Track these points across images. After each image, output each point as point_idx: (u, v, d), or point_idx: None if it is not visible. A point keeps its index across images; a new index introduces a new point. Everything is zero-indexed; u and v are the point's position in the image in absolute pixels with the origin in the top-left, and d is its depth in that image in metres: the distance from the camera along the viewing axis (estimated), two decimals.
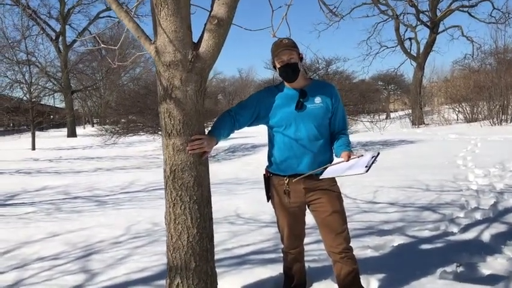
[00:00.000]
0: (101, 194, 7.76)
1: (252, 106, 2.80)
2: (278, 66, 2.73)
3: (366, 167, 2.45)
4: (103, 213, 6.00)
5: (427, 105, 30.72)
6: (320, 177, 2.63)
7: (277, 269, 3.30)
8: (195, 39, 2.58)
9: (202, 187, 2.59)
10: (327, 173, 2.62)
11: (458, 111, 23.96)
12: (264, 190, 2.91)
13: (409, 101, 31.94)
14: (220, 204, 6.05)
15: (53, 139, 28.05)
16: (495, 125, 19.67)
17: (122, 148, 18.86)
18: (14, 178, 10.59)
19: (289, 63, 2.69)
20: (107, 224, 5.26)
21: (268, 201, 2.93)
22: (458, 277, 3.12)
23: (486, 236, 4.11)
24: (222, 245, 4.06)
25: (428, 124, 25.14)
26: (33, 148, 20.31)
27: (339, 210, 2.73)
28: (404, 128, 24.13)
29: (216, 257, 3.52)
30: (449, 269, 3.24)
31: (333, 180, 2.76)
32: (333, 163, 2.68)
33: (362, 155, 2.59)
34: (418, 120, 25.16)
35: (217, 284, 2.71)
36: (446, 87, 27.42)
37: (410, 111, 28.73)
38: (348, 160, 2.60)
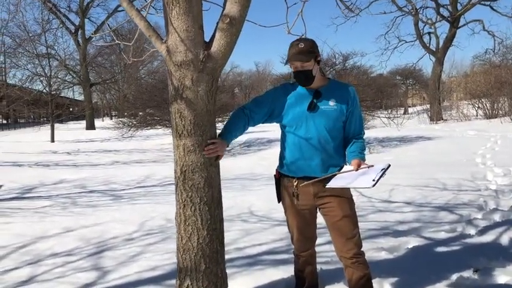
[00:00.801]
0: (117, 188, 7.82)
1: (267, 103, 2.76)
2: (292, 70, 2.68)
3: (373, 180, 2.39)
4: (118, 208, 6.03)
5: (446, 100, 30.28)
6: (326, 186, 2.58)
7: (289, 271, 3.26)
8: (207, 38, 2.55)
9: (212, 188, 2.56)
10: (334, 182, 2.56)
11: (478, 107, 23.55)
12: (275, 190, 2.87)
13: (427, 96, 31.51)
14: (234, 201, 6.05)
15: (71, 131, 28.45)
16: None
17: (139, 141, 19.00)
18: (33, 171, 10.74)
19: (302, 70, 2.63)
20: (121, 219, 5.29)
21: (279, 202, 2.89)
22: (474, 283, 3.05)
23: (505, 240, 4.01)
24: (234, 244, 4.05)
25: (446, 120, 24.76)
26: (52, 140, 20.60)
27: (350, 215, 2.67)
28: (422, 123, 23.81)
29: (228, 256, 3.51)
30: (465, 274, 3.16)
31: None
32: (341, 171, 2.61)
33: (372, 166, 2.53)
34: (436, 116, 24.80)
35: (227, 285, 2.69)
36: (466, 82, 26.98)
37: (428, 106, 28.33)
38: (357, 169, 2.54)
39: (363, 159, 2.61)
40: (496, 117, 21.66)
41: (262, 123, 2.84)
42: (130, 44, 3.59)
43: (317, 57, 2.67)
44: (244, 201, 6.10)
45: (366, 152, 2.80)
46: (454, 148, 11.50)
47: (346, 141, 2.77)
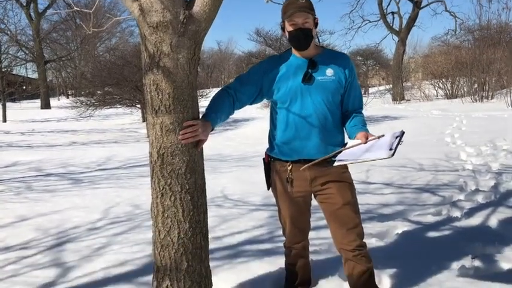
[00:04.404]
0: (76, 171, 7.28)
1: (254, 81, 2.39)
2: (289, 29, 2.30)
3: (391, 149, 2.07)
4: (78, 193, 5.54)
5: (407, 80, 30.59)
6: (334, 165, 2.25)
7: (275, 263, 2.96)
8: None
9: (196, 174, 2.19)
10: (342, 159, 2.24)
11: (438, 87, 23.87)
12: (264, 176, 2.53)
13: (387, 76, 31.76)
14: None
15: (25, 111, 26.98)
16: (476, 101, 19.62)
17: (98, 121, 18.17)
18: None
19: (302, 27, 2.27)
20: (83, 206, 4.83)
21: (268, 189, 2.55)
22: (477, 273, 2.82)
23: (493, 222, 3.84)
24: (212, 232, 3.62)
25: (409, 100, 25.00)
26: (4, 120, 19.43)
27: (351, 202, 2.36)
28: (386, 103, 23.95)
29: None
30: (466, 262, 2.93)
31: (343, 166, 2.38)
32: (347, 146, 2.29)
33: (383, 135, 2.22)
34: (399, 96, 25.00)
35: (212, 285, 2.34)
36: (426, 62, 27.27)
37: (388, 86, 28.54)
38: (365, 142, 2.22)
39: (368, 131, 2.29)
40: (456, 97, 22.03)
41: (251, 103, 2.47)
42: (91, 11, 3.16)
43: (316, 18, 2.32)
44: (216, 184, 5.74)
45: None
46: (422, 128, 11.45)
47: (344, 117, 2.45)
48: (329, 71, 2.36)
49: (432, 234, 3.61)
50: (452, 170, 6.11)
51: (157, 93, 2.09)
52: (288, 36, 2.35)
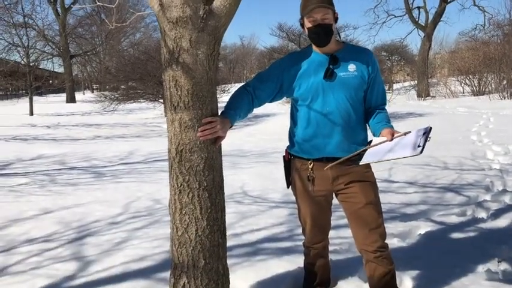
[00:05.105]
0: (99, 165, 7.36)
1: (274, 78, 2.34)
2: (308, 26, 2.25)
3: (419, 146, 2.00)
4: (100, 187, 5.60)
5: (433, 77, 30.04)
6: (360, 163, 2.20)
7: (294, 262, 2.92)
8: None
9: (214, 171, 2.16)
10: (368, 157, 2.18)
11: (465, 84, 23.36)
12: (284, 174, 2.49)
13: (412, 72, 31.23)
14: (225, 180, 5.66)
15: (51, 104, 27.53)
16: (505, 98, 19.13)
17: (122, 115, 18.39)
18: (10, 145, 10.18)
19: (322, 23, 2.21)
20: (104, 200, 4.87)
21: (288, 187, 2.51)
22: (504, 276, 2.73)
23: None
24: (231, 229, 3.66)
25: (434, 96, 24.57)
26: (31, 113, 19.83)
27: (374, 202, 2.31)
28: (411, 100, 23.57)
29: None
30: (492, 266, 2.84)
31: (366, 165, 2.32)
32: (372, 144, 2.23)
33: (409, 131, 2.15)
34: (424, 93, 24.58)
35: (229, 283, 2.32)
36: (452, 58, 26.71)
37: (413, 82, 28.07)
38: (391, 139, 2.15)
39: (393, 128, 2.23)
40: (483, 94, 21.53)
41: (270, 101, 2.42)
42: (113, 6, 3.18)
43: (336, 13, 2.26)
44: (235, 180, 5.72)
45: None
46: (447, 125, 11.23)
47: (367, 114, 2.39)
48: (351, 67, 2.31)
49: (456, 235, 3.52)
50: (478, 169, 5.96)
51: (177, 89, 2.07)
52: (307, 33, 2.30)
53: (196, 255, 2.16)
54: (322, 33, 2.23)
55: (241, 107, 2.29)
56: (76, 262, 3.10)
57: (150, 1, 2.08)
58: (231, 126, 2.21)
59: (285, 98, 2.46)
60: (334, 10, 2.27)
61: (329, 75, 2.28)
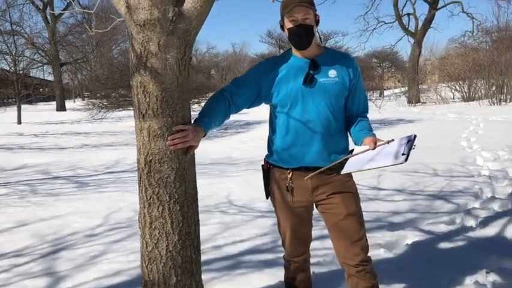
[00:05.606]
0: (83, 174, 7.20)
1: (252, 83, 2.23)
2: (289, 26, 2.14)
3: (403, 154, 1.90)
4: (82, 197, 5.44)
5: (423, 83, 30.15)
6: (341, 173, 2.09)
7: (276, 275, 2.80)
8: None
9: (186, 182, 2.04)
10: (349, 167, 2.07)
11: (455, 90, 23.43)
12: (263, 184, 2.38)
13: (403, 79, 31.34)
14: (211, 189, 5.54)
15: (41, 113, 27.20)
16: (494, 104, 19.20)
17: (111, 123, 18.20)
18: None
19: (303, 24, 2.11)
20: (85, 210, 4.72)
21: (267, 198, 2.39)
22: None
23: (511, 233, 3.63)
24: (212, 241, 3.55)
25: (424, 102, 24.61)
26: (19, 122, 19.56)
27: (356, 213, 2.20)
28: (401, 106, 23.59)
29: (205, 257, 3.01)
30: (480, 277, 2.74)
31: (347, 174, 2.21)
32: (354, 153, 2.12)
33: (392, 140, 2.04)
34: (414, 99, 24.62)
35: None
36: (443, 64, 26.81)
37: (404, 88, 28.16)
38: (374, 148, 2.05)
39: (375, 136, 2.12)
40: (473, 100, 21.60)
41: (248, 107, 2.31)
42: (92, 11, 3.09)
43: (317, 15, 2.16)
44: (222, 188, 5.60)
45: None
46: (437, 131, 11.18)
47: (348, 122, 2.28)
48: (332, 73, 2.20)
49: (444, 245, 3.42)
50: (467, 175, 5.88)
51: (145, 96, 1.96)
52: (287, 34, 2.19)
53: (167, 272, 2.04)
54: (303, 34, 2.13)
55: (216, 114, 2.17)
56: (46, 278, 2.94)
57: (117, 3, 1.97)
58: (205, 135, 2.10)
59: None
60: (316, 11, 2.17)
61: (309, 80, 2.18)
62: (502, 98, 19.64)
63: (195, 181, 2.13)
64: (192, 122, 2.08)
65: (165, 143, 1.96)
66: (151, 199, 2.01)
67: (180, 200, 2.02)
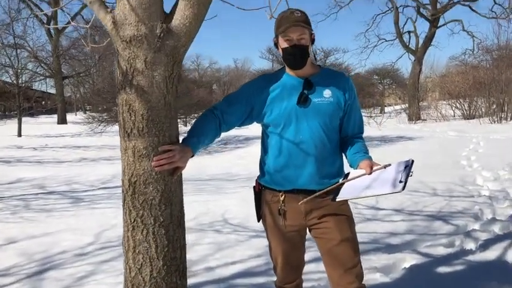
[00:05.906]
0: (79, 189, 7.11)
1: (243, 100, 2.16)
2: (283, 46, 2.08)
3: (401, 182, 1.82)
4: (75, 213, 5.35)
5: (424, 100, 30.17)
6: (337, 199, 2.01)
7: None
8: (167, 9, 1.95)
9: (172, 205, 1.96)
10: (345, 193, 1.98)
11: (456, 107, 23.41)
12: (254, 207, 2.29)
13: (403, 96, 31.40)
14: (206, 206, 5.46)
15: (42, 125, 27.21)
16: (495, 122, 19.14)
17: (111, 137, 18.11)
18: None
19: (298, 44, 2.05)
20: (76, 227, 4.62)
21: (258, 221, 2.31)
22: None
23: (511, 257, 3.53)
24: (204, 262, 3.45)
25: (425, 120, 24.58)
26: (19, 135, 19.54)
27: (350, 238, 2.11)
28: (402, 123, 23.54)
29: (195, 280, 2.93)
30: None
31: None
32: (350, 177, 2.04)
33: (389, 164, 1.97)
34: (415, 116, 24.59)
35: None
36: (443, 82, 26.85)
37: (404, 105, 28.17)
38: (370, 173, 1.97)
39: (371, 159, 2.04)
40: (473, 118, 21.56)
41: (239, 126, 2.24)
42: (87, 26, 3.02)
43: (312, 34, 2.10)
44: (218, 206, 5.51)
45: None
46: (437, 149, 11.10)
47: (342, 143, 2.21)
48: (327, 92, 2.14)
49: (443, 269, 3.32)
50: (467, 195, 5.79)
51: (130, 114, 1.88)
52: (282, 54, 2.13)
53: None
54: (298, 54, 2.06)
55: (206, 134, 2.10)
56: None
57: (103, 18, 1.91)
58: (193, 155, 2.02)
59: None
60: (311, 30, 2.11)
61: (303, 100, 2.11)
62: (502, 116, 19.62)
63: (182, 203, 2.04)
64: (180, 141, 2.01)
65: (151, 164, 1.88)
66: (135, 222, 1.92)
67: (165, 224, 1.93)
